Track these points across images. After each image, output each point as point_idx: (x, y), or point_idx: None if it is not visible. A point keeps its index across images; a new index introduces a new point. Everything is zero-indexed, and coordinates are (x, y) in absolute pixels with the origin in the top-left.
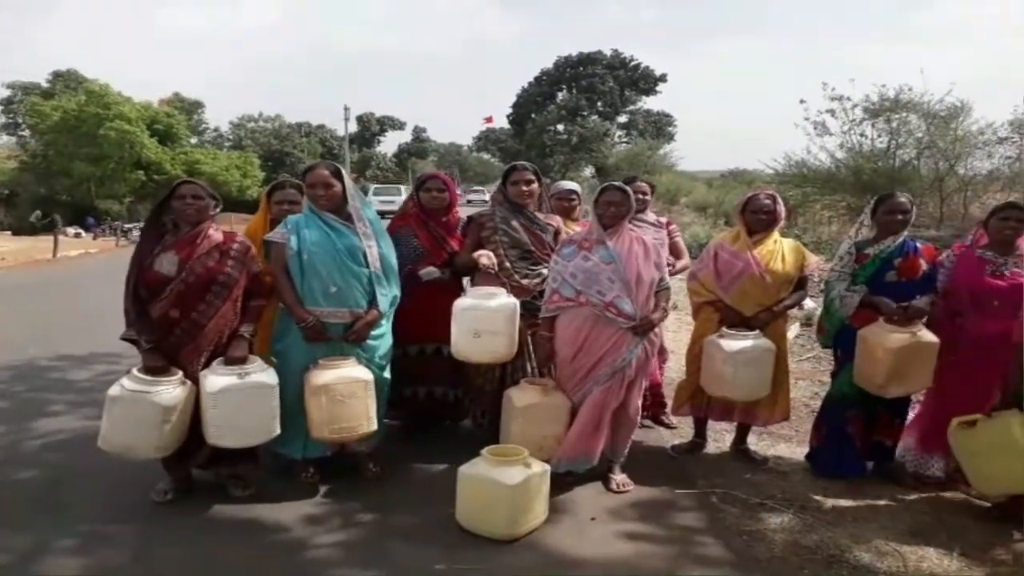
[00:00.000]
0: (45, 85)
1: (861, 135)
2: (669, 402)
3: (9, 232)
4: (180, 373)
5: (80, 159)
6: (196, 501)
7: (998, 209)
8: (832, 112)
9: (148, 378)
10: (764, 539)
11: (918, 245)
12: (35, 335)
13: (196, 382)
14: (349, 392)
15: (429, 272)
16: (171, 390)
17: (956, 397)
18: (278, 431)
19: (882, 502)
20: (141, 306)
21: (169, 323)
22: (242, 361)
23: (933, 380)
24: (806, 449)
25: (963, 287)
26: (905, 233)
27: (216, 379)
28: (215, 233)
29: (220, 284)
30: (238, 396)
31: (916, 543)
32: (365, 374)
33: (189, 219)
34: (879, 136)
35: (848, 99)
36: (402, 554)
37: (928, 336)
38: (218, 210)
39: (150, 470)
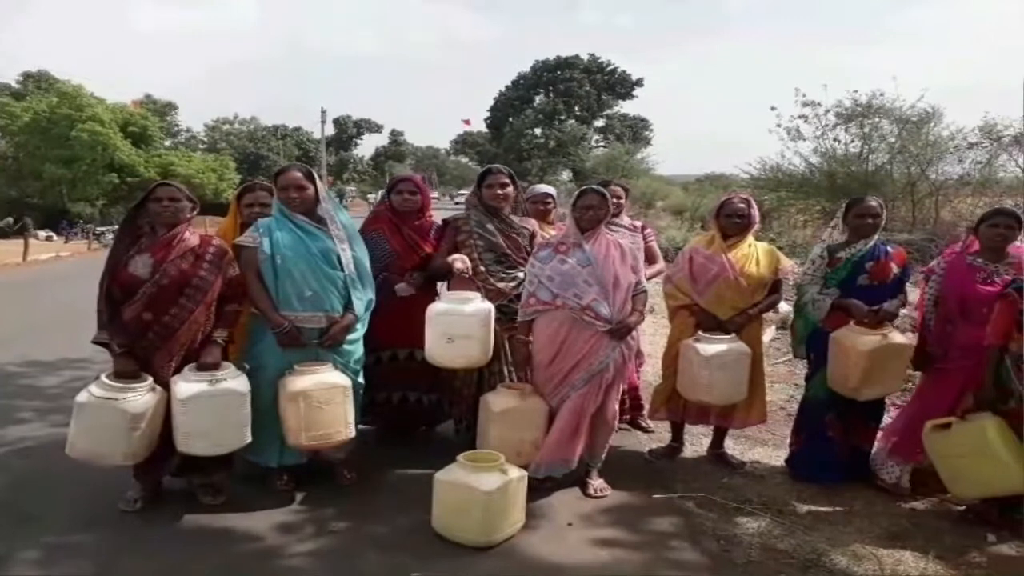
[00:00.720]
0: (16, 86)
1: (834, 140)
2: (646, 406)
3: None
4: (150, 379)
5: (51, 161)
6: (166, 510)
7: (988, 215)
8: (804, 118)
9: (117, 384)
10: (741, 543)
11: (889, 249)
12: (2, 340)
13: (168, 387)
14: (327, 398)
15: (402, 289)
16: (140, 397)
17: (938, 404)
18: (249, 439)
19: (858, 506)
20: (114, 308)
21: (142, 326)
22: (214, 367)
23: (917, 386)
24: (783, 453)
25: (952, 295)
26: (876, 237)
27: (186, 385)
28: (191, 236)
29: (194, 287)
30: (208, 403)
31: (892, 546)
32: (343, 379)
33: (165, 221)
34: (852, 141)
35: (819, 104)
36: (376, 562)
37: (899, 338)
38: (195, 213)
39: (118, 478)
